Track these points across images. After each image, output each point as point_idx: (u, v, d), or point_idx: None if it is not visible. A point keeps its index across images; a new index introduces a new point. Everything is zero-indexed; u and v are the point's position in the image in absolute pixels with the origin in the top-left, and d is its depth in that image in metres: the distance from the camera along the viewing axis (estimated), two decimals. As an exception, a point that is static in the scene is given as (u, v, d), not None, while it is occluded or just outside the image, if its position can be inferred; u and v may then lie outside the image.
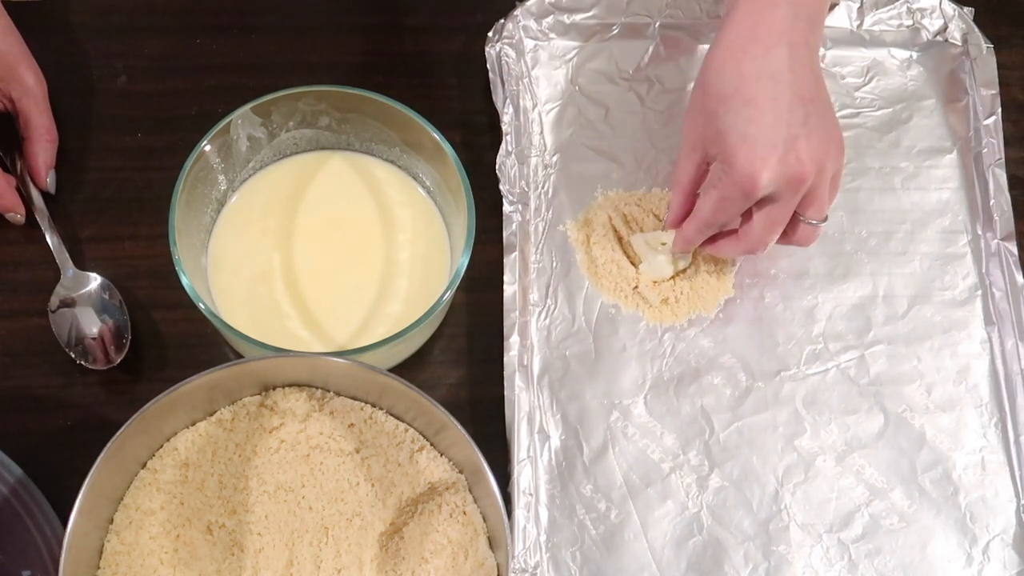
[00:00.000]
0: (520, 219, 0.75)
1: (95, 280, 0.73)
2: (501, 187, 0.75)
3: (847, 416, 0.73)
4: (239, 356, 0.73)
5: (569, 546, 0.70)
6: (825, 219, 0.68)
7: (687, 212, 0.71)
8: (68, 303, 0.72)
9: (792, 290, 0.76)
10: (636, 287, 0.75)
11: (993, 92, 0.81)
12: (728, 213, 0.67)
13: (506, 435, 0.70)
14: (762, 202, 0.66)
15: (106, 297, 0.72)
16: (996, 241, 0.77)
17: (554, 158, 0.79)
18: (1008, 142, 0.80)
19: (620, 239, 0.76)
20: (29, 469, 0.68)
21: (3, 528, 0.66)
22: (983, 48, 0.82)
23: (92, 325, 0.72)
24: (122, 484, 0.65)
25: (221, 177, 0.71)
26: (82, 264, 0.74)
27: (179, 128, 0.78)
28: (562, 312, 0.75)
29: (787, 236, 0.69)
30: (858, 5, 0.82)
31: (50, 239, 0.73)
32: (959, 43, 0.82)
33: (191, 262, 0.68)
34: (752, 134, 0.64)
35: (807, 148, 0.64)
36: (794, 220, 0.68)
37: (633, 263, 0.76)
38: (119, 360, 0.71)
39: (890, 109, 0.82)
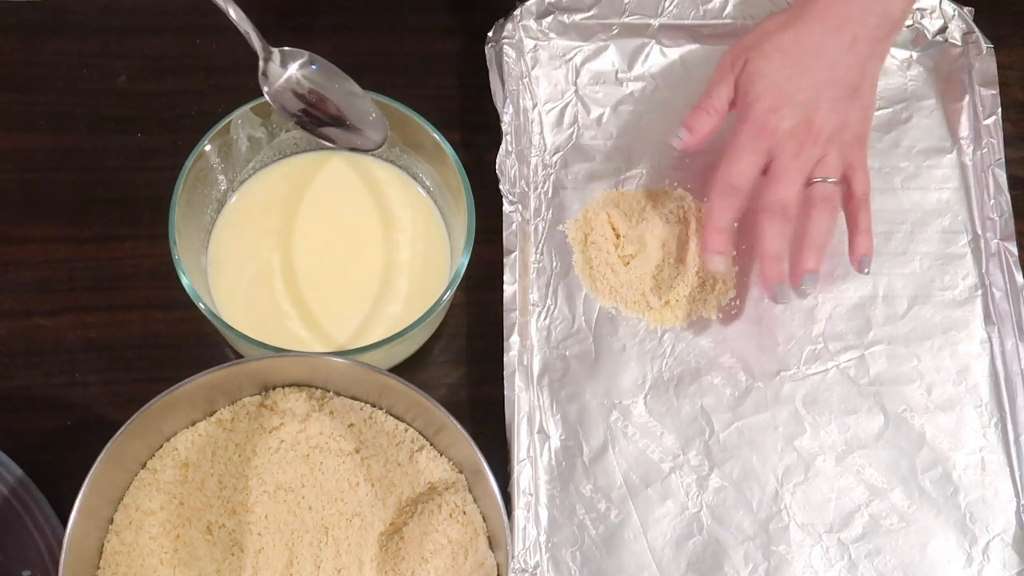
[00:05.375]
0: (520, 219, 0.75)
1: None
2: (501, 187, 0.75)
3: (847, 416, 0.73)
4: (239, 356, 0.73)
5: (569, 546, 0.70)
6: (840, 182, 0.71)
7: (712, 131, 0.74)
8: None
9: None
10: (640, 290, 0.75)
11: (993, 92, 0.81)
12: (739, 167, 0.70)
13: (506, 435, 0.70)
14: (776, 161, 0.70)
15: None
16: (996, 241, 0.77)
17: (554, 158, 0.79)
18: (1008, 142, 0.80)
19: (617, 236, 0.76)
20: (29, 469, 0.68)
21: (3, 528, 0.66)
22: (983, 48, 0.81)
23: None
24: (122, 484, 0.65)
25: (221, 177, 0.71)
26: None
27: (179, 128, 0.78)
28: (562, 312, 0.75)
29: (808, 206, 0.71)
30: (858, 5, 0.82)
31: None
32: (959, 43, 0.82)
33: (191, 262, 0.68)
34: (781, 85, 0.70)
35: (826, 115, 0.70)
36: (807, 188, 0.71)
37: (626, 263, 0.76)
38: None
39: (890, 109, 0.82)
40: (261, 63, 0.67)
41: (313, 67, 0.69)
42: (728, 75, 0.73)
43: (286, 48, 0.68)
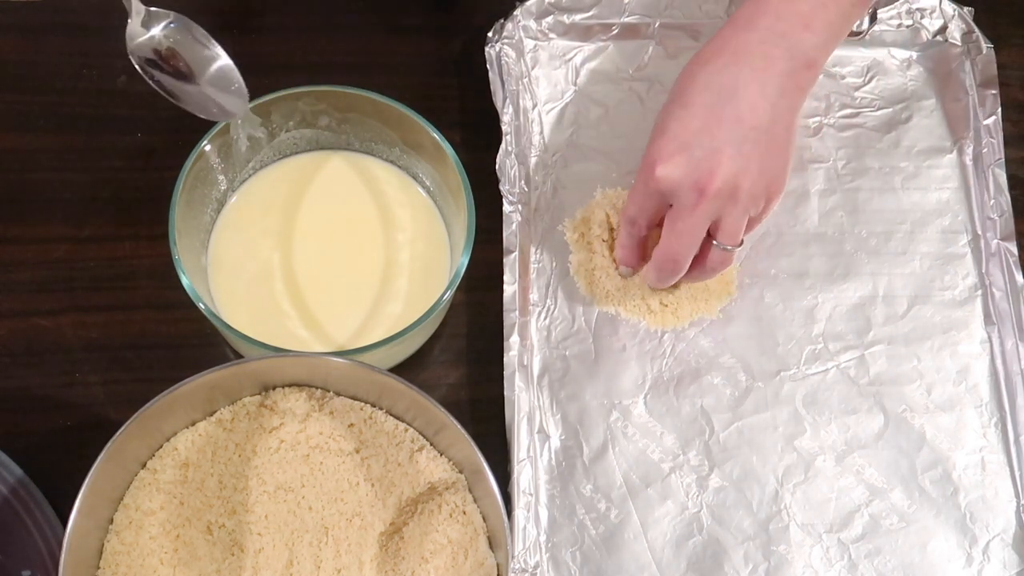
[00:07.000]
0: (520, 219, 0.75)
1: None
2: (501, 187, 0.75)
3: (847, 416, 0.73)
4: (239, 356, 0.73)
5: (569, 546, 0.70)
6: (740, 244, 0.68)
7: (640, 243, 0.73)
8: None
9: (792, 290, 0.76)
10: (639, 294, 0.75)
11: (993, 92, 0.81)
12: (636, 205, 0.68)
13: (506, 435, 0.70)
14: (671, 209, 0.66)
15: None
16: (996, 241, 0.77)
17: (554, 158, 0.79)
18: (1008, 142, 0.80)
19: (614, 239, 0.76)
20: (29, 469, 0.68)
21: (3, 528, 0.66)
22: (983, 48, 0.82)
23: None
24: (122, 484, 0.65)
25: (221, 177, 0.71)
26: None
27: (179, 128, 0.78)
28: (562, 312, 0.75)
29: (698, 260, 0.69)
30: (858, 5, 0.82)
31: None
32: (959, 43, 0.82)
33: (191, 262, 0.68)
34: (672, 130, 0.65)
35: (727, 165, 0.63)
36: (707, 243, 0.68)
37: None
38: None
39: (890, 109, 0.82)
40: (130, 20, 0.66)
41: (173, 25, 0.67)
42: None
43: (155, 8, 0.68)
